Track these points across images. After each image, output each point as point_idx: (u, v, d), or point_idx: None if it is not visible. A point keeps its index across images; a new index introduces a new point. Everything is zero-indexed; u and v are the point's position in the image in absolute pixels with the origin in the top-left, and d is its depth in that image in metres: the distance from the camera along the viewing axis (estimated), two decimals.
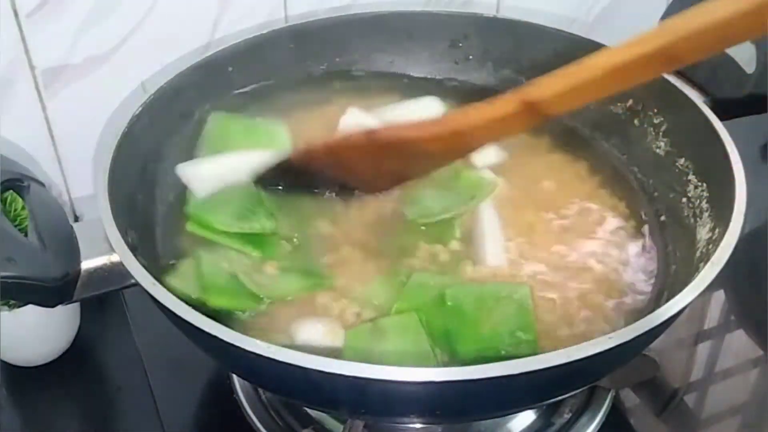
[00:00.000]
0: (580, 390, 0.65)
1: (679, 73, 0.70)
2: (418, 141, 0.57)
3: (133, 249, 0.54)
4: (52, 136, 0.80)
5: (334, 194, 0.65)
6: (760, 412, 0.71)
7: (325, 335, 0.56)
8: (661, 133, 0.70)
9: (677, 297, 0.50)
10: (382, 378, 0.44)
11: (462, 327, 0.56)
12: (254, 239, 0.62)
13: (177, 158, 0.69)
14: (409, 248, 0.63)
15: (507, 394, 0.49)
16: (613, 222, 0.66)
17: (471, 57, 0.80)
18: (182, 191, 0.67)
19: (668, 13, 0.92)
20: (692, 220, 0.63)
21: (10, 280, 0.51)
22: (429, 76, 0.81)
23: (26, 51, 0.74)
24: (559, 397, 0.63)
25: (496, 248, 0.62)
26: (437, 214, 0.65)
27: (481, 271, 0.61)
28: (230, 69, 0.74)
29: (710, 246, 0.57)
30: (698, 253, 0.59)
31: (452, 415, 0.54)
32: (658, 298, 0.60)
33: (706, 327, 0.77)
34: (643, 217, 0.67)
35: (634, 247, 0.64)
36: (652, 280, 0.62)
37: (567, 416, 0.66)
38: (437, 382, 0.45)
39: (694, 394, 0.72)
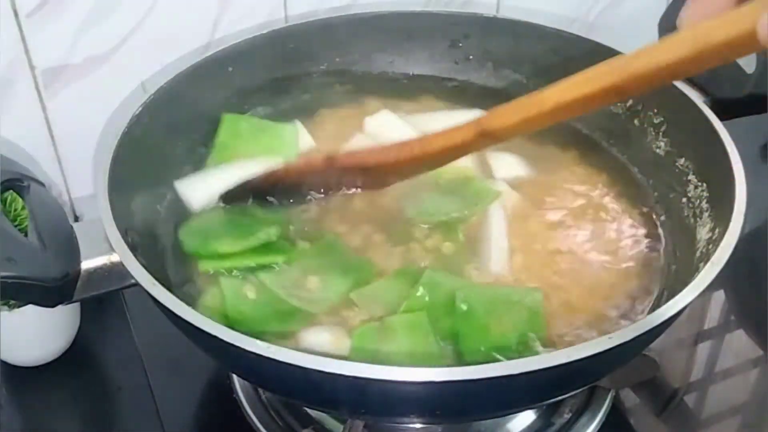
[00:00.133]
0: (580, 390, 0.65)
1: None
2: (377, 167, 0.60)
3: (133, 249, 0.54)
4: (52, 136, 0.80)
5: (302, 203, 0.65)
6: (760, 412, 0.71)
7: (331, 343, 0.56)
8: (661, 133, 0.70)
9: (677, 297, 0.50)
10: (382, 378, 0.44)
11: (470, 329, 0.55)
12: (267, 249, 0.61)
13: (177, 158, 0.69)
14: (410, 247, 0.62)
15: (507, 394, 0.49)
16: (613, 222, 0.66)
17: (471, 57, 0.80)
18: None
19: (668, 13, 0.92)
20: (692, 220, 0.63)
21: (10, 280, 0.51)
22: (429, 76, 0.81)
23: (26, 51, 0.74)
24: (559, 397, 0.63)
25: (499, 255, 0.62)
26: (437, 216, 0.65)
27: (483, 278, 0.61)
28: (230, 69, 0.74)
29: (710, 246, 0.57)
30: (698, 253, 0.59)
31: (452, 415, 0.54)
32: (658, 298, 0.60)
33: (706, 327, 0.77)
34: (643, 216, 0.67)
35: (634, 247, 0.64)
36: (653, 281, 0.62)
37: (567, 416, 0.66)
38: (437, 382, 0.45)
39: (694, 394, 0.72)
